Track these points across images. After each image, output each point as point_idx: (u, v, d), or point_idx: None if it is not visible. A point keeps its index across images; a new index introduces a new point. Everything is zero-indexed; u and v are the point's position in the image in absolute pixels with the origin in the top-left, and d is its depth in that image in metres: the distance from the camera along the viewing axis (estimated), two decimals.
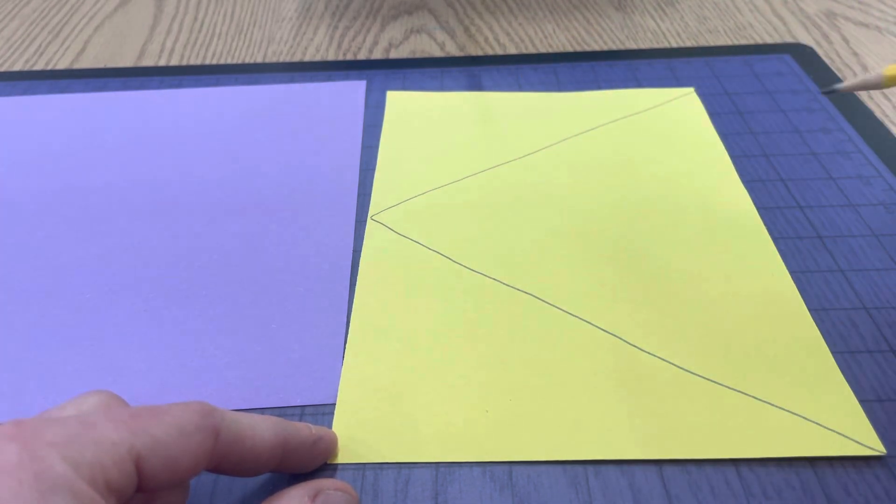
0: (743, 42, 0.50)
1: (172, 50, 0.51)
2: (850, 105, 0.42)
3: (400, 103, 0.43)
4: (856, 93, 0.42)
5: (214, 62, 0.50)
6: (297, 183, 0.37)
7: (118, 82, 0.46)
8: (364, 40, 0.52)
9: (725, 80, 0.45)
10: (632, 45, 0.50)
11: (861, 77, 0.32)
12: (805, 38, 0.50)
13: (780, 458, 0.25)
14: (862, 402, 0.26)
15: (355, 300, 0.31)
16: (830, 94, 0.34)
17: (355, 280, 0.32)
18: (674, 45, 0.50)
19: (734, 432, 0.25)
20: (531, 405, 0.26)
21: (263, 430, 0.21)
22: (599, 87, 0.44)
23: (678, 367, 0.28)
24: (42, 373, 0.28)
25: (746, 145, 0.39)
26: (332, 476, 0.25)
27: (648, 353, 0.28)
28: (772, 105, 0.42)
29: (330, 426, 0.26)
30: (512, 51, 0.50)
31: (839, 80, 0.43)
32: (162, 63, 0.50)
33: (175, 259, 0.33)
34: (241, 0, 0.59)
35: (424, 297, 0.31)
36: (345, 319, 0.30)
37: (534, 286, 0.31)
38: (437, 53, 0.50)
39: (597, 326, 0.29)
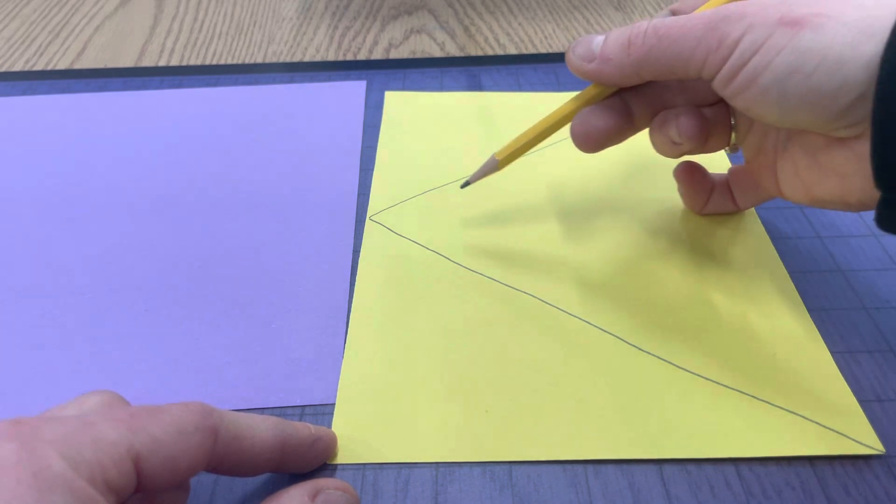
0: None
1: (172, 50, 0.51)
2: None
3: (399, 103, 0.43)
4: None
5: (214, 62, 0.50)
6: (297, 183, 0.37)
7: (118, 82, 0.46)
8: (364, 40, 0.52)
9: None
10: None
11: (482, 167, 0.32)
12: None
13: (780, 457, 0.25)
14: (862, 402, 0.26)
15: (355, 300, 0.31)
16: (466, 186, 0.33)
17: (355, 280, 0.32)
18: None
19: (734, 432, 0.25)
20: (531, 405, 0.26)
21: (262, 431, 0.21)
22: None
23: (678, 367, 0.28)
24: (42, 373, 0.28)
25: None
26: (331, 476, 0.25)
27: (648, 353, 0.28)
28: None
29: (330, 426, 0.26)
30: (512, 51, 0.50)
31: None
32: (162, 63, 0.50)
33: (175, 259, 0.33)
34: (241, 0, 0.59)
35: (424, 296, 0.31)
36: (345, 319, 0.30)
37: (534, 286, 0.31)
38: (437, 53, 0.50)
39: (597, 326, 0.29)
